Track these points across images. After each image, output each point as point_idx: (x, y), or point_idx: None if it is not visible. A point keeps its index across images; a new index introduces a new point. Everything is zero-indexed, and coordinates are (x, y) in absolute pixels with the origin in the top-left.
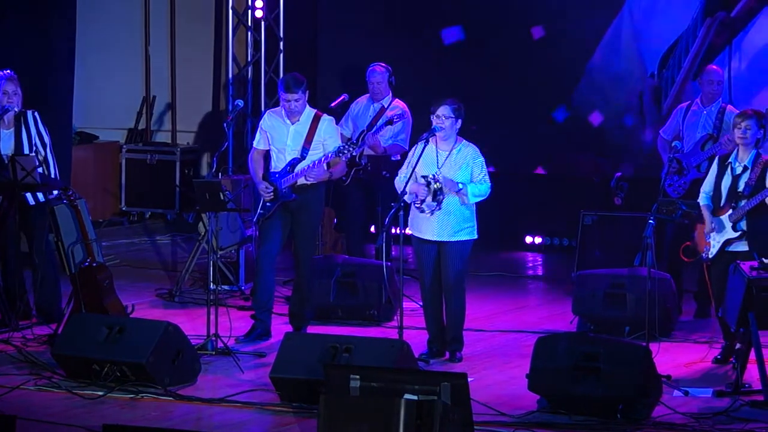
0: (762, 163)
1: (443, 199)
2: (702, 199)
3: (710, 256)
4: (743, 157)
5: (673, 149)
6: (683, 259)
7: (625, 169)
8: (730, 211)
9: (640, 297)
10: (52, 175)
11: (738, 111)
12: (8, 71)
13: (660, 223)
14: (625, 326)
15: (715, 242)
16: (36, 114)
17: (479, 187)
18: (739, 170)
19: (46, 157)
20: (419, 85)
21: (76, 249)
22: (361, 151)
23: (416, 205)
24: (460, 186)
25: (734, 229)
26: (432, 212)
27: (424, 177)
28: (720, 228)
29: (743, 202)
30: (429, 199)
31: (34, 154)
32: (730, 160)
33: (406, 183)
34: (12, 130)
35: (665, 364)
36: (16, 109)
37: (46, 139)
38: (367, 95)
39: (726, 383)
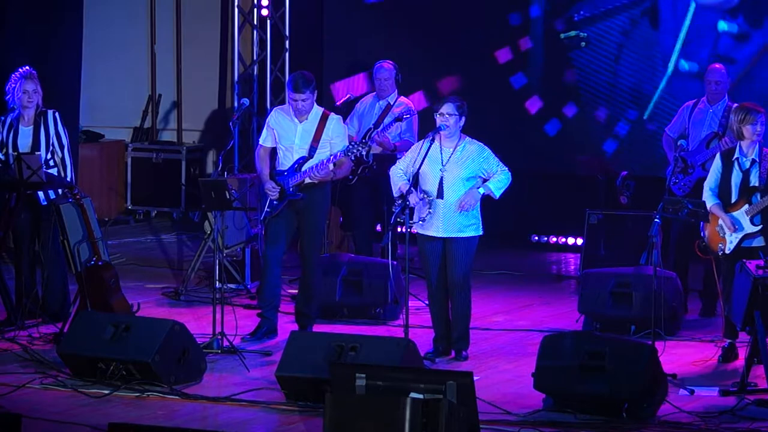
0: None
1: (430, 209)
2: (709, 198)
3: (727, 252)
4: (749, 152)
5: (678, 148)
6: (698, 254)
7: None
8: (746, 206)
9: (646, 296)
10: (68, 178)
11: None
12: (26, 68)
13: (666, 221)
14: (631, 325)
15: (733, 237)
16: (57, 114)
17: (500, 179)
18: (747, 164)
19: (63, 159)
20: (425, 83)
21: (82, 248)
22: (369, 149)
23: (410, 222)
24: (482, 191)
25: (752, 223)
26: (422, 224)
27: (426, 193)
28: (739, 227)
29: (758, 196)
30: (426, 214)
31: (49, 153)
32: (736, 156)
33: (410, 183)
34: (31, 127)
35: (671, 362)
36: (36, 107)
37: (65, 140)
38: (373, 93)
39: (732, 382)
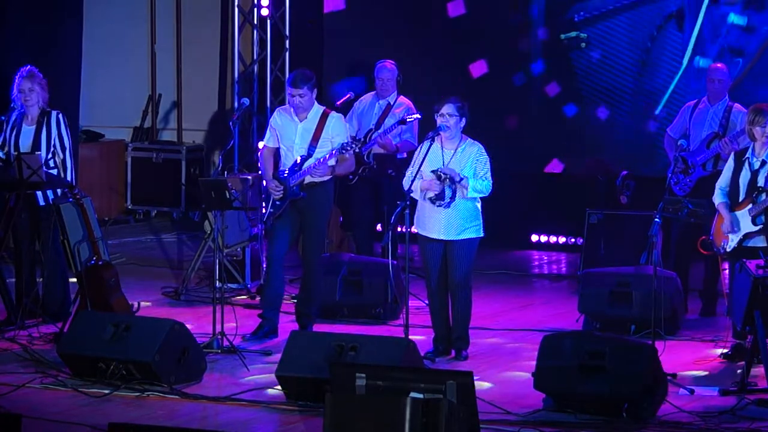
0: None
1: (456, 189)
2: (718, 196)
3: (728, 250)
4: (760, 152)
5: (678, 148)
6: (701, 251)
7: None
8: (750, 206)
9: (646, 295)
10: (68, 180)
11: (745, 110)
12: (27, 67)
13: (666, 221)
14: (631, 325)
15: (734, 236)
16: (61, 116)
17: (481, 183)
18: (757, 165)
19: (64, 161)
20: (425, 83)
21: (82, 247)
22: (369, 150)
23: (433, 201)
24: (462, 176)
25: (754, 223)
26: (448, 205)
27: (433, 172)
28: (738, 227)
29: (763, 197)
30: (446, 192)
31: (49, 154)
32: (747, 156)
33: (412, 182)
34: (33, 127)
35: (671, 362)
36: (40, 107)
37: (67, 142)
38: (372, 93)
39: (732, 382)
